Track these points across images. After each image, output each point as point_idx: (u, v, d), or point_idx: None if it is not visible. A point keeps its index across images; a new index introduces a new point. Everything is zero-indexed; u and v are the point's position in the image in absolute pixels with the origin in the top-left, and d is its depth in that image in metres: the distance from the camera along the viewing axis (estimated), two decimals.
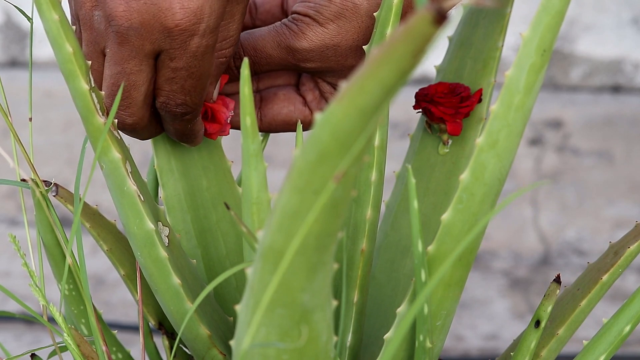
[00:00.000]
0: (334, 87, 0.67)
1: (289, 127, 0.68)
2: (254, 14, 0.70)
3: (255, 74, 0.67)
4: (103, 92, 0.60)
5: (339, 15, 0.63)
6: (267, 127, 0.68)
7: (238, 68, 0.66)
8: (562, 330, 0.64)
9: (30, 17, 0.62)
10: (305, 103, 0.68)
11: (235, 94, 0.69)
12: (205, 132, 0.65)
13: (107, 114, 0.59)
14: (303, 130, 0.66)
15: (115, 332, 0.69)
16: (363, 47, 0.64)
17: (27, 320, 0.65)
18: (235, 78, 0.67)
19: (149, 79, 0.60)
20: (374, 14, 0.63)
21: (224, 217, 0.69)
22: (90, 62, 0.60)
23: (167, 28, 0.58)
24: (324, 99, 0.67)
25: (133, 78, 0.60)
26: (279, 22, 0.65)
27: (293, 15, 0.64)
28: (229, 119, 0.66)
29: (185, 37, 0.58)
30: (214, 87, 0.65)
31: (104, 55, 0.60)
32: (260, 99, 0.68)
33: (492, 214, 0.43)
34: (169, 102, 0.61)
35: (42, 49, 1.57)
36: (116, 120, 0.61)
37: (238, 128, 0.67)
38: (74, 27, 0.58)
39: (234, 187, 0.69)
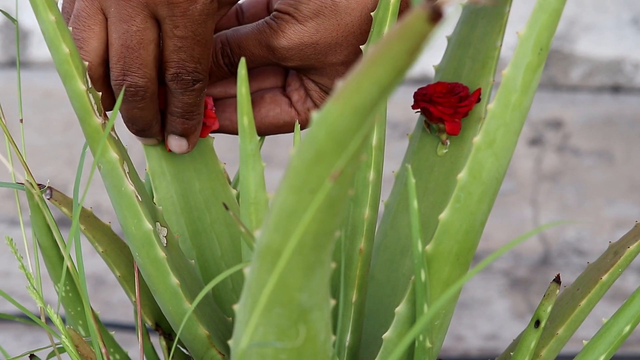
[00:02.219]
0: (318, 85, 0.67)
1: (277, 129, 0.68)
2: (240, 17, 0.70)
3: None
4: (112, 58, 0.60)
5: (318, 12, 0.64)
6: (256, 131, 0.68)
7: (227, 66, 0.66)
8: (562, 330, 0.64)
9: (30, 18, 0.62)
10: (291, 104, 0.68)
11: (226, 98, 0.69)
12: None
13: (105, 115, 0.59)
14: (290, 132, 0.67)
15: (113, 332, 0.68)
16: (342, 44, 0.64)
17: (27, 321, 0.65)
18: (224, 75, 0.67)
19: (156, 40, 0.60)
20: (372, 13, 0.63)
21: (218, 218, 0.69)
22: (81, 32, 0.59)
23: None
24: (309, 96, 0.68)
25: (140, 36, 0.60)
26: (262, 20, 0.65)
27: (274, 13, 0.65)
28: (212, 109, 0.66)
29: (188, 5, 0.59)
30: None
31: (103, 13, 0.60)
32: None
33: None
34: (181, 71, 0.61)
35: (42, 49, 1.57)
36: (125, 85, 0.60)
37: (235, 133, 0.67)
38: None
39: (227, 188, 0.69)
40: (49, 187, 0.61)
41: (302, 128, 0.67)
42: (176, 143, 0.65)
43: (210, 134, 0.68)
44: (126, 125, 0.64)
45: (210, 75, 0.67)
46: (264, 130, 0.69)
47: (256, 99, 0.69)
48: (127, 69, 0.61)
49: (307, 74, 0.67)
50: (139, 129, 0.64)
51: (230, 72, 0.66)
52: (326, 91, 0.67)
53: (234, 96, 0.69)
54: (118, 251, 0.65)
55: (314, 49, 0.64)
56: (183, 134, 0.65)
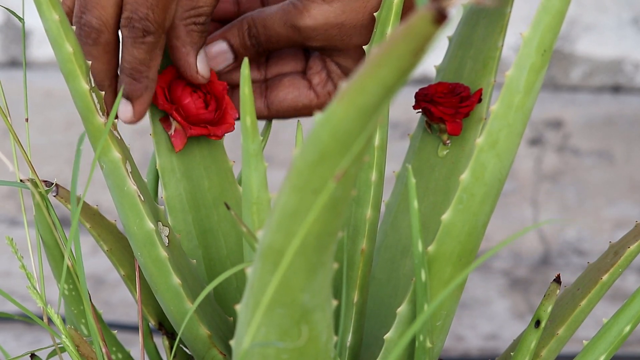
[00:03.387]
0: (340, 67, 0.67)
1: (296, 112, 0.68)
2: (265, 0, 0.70)
3: (265, 51, 0.66)
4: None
5: None
6: (274, 114, 0.68)
7: (254, 46, 0.66)
8: (562, 330, 0.64)
9: (22, 17, 0.62)
10: (311, 87, 0.68)
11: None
12: (212, 135, 0.66)
13: (107, 114, 0.59)
14: (308, 115, 0.66)
15: (115, 332, 0.68)
16: (368, 26, 0.64)
17: (27, 320, 0.65)
18: (252, 57, 0.67)
19: None
20: (375, 13, 0.63)
21: (225, 217, 0.69)
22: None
23: None
24: (331, 79, 0.68)
25: None
26: (287, 0, 0.65)
27: None
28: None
29: None
30: (194, 56, 0.63)
31: None
32: (267, 87, 0.69)
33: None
34: (133, 15, 0.60)
35: (42, 49, 1.57)
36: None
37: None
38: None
39: (235, 187, 0.69)
40: (56, 184, 0.61)
41: (317, 112, 0.67)
42: (122, 108, 0.63)
43: None
44: None
45: (238, 57, 0.67)
46: (282, 113, 0.69)
47: (275, 82, 0.69)
48: (85, 6, 0.60)
49: (330, 56, 0.67)
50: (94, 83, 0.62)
51: (258, 52, 0.66)
52: (348, 74, 0.67)
53: (253, 82, 0.69)
54: (123, 250, 0.65)
55: (339, 29, 0.64)
56: (129, 97, 0.62)
